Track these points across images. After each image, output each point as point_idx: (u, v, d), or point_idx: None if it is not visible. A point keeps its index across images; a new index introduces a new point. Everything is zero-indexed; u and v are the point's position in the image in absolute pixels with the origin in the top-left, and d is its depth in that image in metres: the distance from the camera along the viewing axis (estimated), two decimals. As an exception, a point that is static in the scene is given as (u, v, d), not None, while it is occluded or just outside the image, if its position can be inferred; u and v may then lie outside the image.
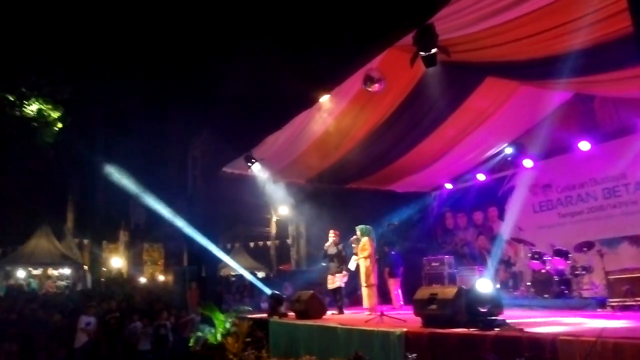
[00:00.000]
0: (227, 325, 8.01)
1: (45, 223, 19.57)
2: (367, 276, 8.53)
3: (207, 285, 12.00)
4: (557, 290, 8.07)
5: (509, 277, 9.72)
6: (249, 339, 7.75)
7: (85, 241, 21.80)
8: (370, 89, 7.81)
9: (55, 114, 14.05)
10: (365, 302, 8.57)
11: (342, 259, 8.87)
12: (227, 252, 25.39)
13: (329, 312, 8.24)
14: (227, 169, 11.60)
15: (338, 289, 8.82)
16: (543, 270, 8.53)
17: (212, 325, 8.15)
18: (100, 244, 21.36)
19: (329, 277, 9.01)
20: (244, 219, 23.64)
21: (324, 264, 9.37)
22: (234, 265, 14.21)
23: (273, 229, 22.71)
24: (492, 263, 10.09)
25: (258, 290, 13.26)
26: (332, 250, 9.00)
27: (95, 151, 16.90)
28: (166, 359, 9.88)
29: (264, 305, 10.93)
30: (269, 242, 24.41)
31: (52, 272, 20.55)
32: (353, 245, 8.96)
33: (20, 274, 19.55)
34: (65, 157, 16.83)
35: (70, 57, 15.38)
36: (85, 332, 9.74)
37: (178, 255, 14.60)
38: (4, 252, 20.19)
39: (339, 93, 8.46)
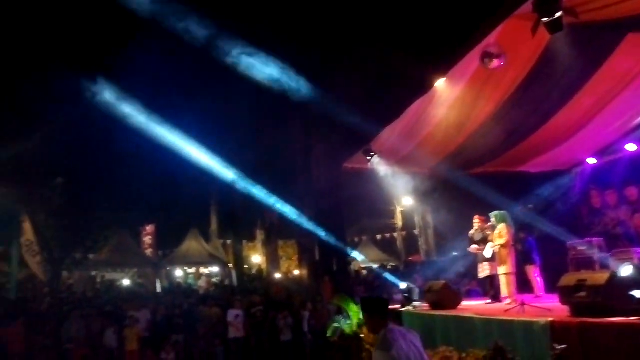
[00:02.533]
0: (362, 316, 8.17)
1: (194, 227, 22.02)
2: (505, 264, 8.06)
3: (339, 278, 12.38)
4: None
5: (676, 258, 8.40)
6: (383, 330, 7.81)
7: (228, 241, 23.95)
8: (489, 66, 7.36)
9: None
10: (504, 291, 8.10)
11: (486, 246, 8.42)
12: (355, 245, 25.90)
13: (481, 302, 7.95)
14: (347, 165, 11.84)
15: (490, 277, 8.35)
16: None
17: (347, 316, 8.40)
18: (241, 243, 23.29)
19: (479, 265, 8.61)
20: (369, 212, 23.87)
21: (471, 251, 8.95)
22: (362, 259, 14.42)
23: (399, 221, 22.57)
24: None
25: (389, 282, 13.34)
26: (478, 237, 8.60)
27: (228, 158, 18.44)
28: (307, 348, 10.45)
29: (396, 296, 10.95)
30: (395, 234, 24.32)
31: (203, 270, 23.02)
32: (487, 232, 8.53)
33: (178, 273, 22.25)
34: (204, 167, 18.60)
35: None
36: (234, 325, 10.75)
37: (311, 250, 15.29)
38: (164, 254, 23.12)
39: (455, 74, 8.11)
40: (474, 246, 8.71)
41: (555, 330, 4.54)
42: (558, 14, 5.48)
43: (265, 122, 19.06)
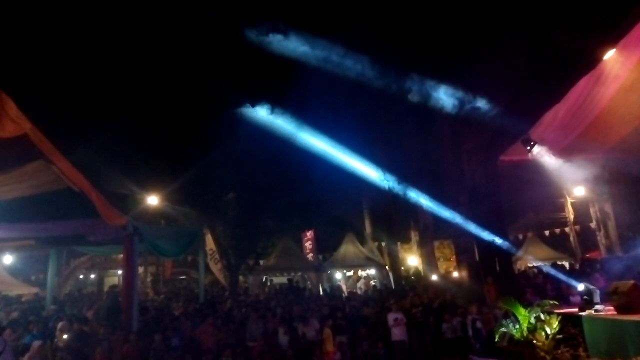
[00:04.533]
0: (532, 320, 7.50)
1: (349, 231, 22.72)
2: None
3: (503, 279, 11.57)
4: None
5: None
6: (560, 336, 7.07)
7: (383, 244, 24.13)
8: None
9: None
10: None
11: None
12: (519, 243, 23.86)
13: None
14: (504, 157, 11.07)
15: None
16: None
17: (515, 320, 7.78)
18: (395, 245, 23.27)
19: None
20: (533, 206, 21.83)
21: None
22: (529, 257, 13.22)
23: (570, 214, 20.15)
24: None
25: (563, 282, 12.02)
26: None
27: (376, 160, 18.66)
28: (476, 350, 9.95)
29: (573, 298, 9.82)
30: (566, 229, 21.77)
31: (361, 273, 23.57)
32: None
33: (338, 275, 23.13)
34: (355, 173, 19.10)
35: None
36: (395, 327, 10.77)
37: (469, 250, 14.56)
38: (323, 257, 24.32)
39: (628, 43, 7.01)
40: None
41: None
42: None
43: (414, 123, 18.85)
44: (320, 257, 24.48)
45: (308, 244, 24.11)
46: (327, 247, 24.64)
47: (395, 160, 18.25)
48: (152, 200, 18.36)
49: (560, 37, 7.58)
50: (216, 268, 19.30)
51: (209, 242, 18.89)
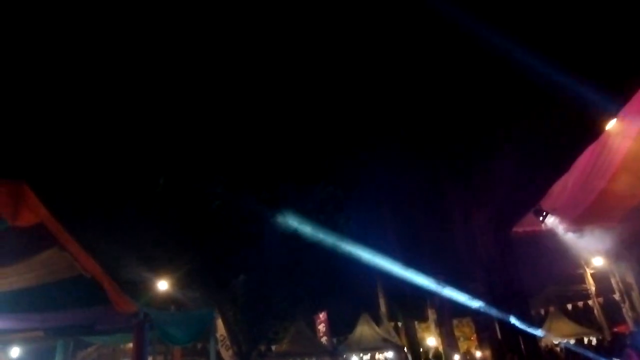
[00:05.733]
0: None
1: (364, 311, 21.99)
2: None
3: (530, 358, 10.97)
4: None
5: None
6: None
7: (399, 323, 23.22)
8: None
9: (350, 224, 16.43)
10: None
11: None
12: (542, 318, 22.85)
13: None
14: (518, 229, 10.97)
15: None
16: None
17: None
18: (412, 324, 22.37)
19: None
20: (551, 279, 21.20)
21: None
22: (549, 334, 12.61)
23: (591, 285, 19.48)
24: None
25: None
26: None
27: (388, 240, 18.55)
28: None
29: (608, 377, 9.22)
30: (589, 301, 20.94)
31: (378, 356, 22.47)
32: None
33: (354, 359, 22.06)
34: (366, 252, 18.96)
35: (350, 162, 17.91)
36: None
37: (490, 328, 13.94)
38: (338, 340, 23.33)
39: (629, 112, 7.22)
40: None
41: None
42: None
43: (421, 197, 18.99)
44: (335, 340, 23.50)
45: (322, 327, 23.26)
46: (341, 329, 23.73)
47: (408, 235, 18.17)
48: (162, 285, 18.09)
49: (564, 112, 7.86)
50: (227, 355, 18.49)
51: (220, 328, 18.28)
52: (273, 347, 21.66)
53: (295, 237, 16.39)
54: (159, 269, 18.12)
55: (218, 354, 18.09)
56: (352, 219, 17.71)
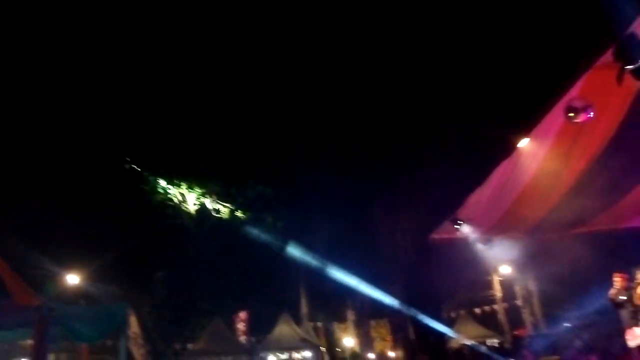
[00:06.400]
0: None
1: (285, 311, 22.02)
2: None
3: (437, 358, 11.56)
4: None
5: None
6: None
7: (319, 324, 23.54)
8: (576, 121, 7.04)
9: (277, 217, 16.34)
10: None
11: (637, 308, 7.44)
12: (452, 321, 24.19)
13: None
14: (435, 235, 11.48)
15: None
16: None
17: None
18: (331, 325, 22.78)
19: (628, 331, 7.59)
20: (465, 284, 22.52)
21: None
22: (458, 336, 13.42)
23: (497, 291, 20.95)
24: None
25: (494, 360, 12.21)
26: (622, 297, 7.69)
27: (314, 240, 18.73)
28: None
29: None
30: (496, 306, 22.51)
31: (295, 355, 22.59)
32: (621, 291, 7.57)
33: (271, 358, 22.01)
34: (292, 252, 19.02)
35: (287, 162, 17.91)
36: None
37: (404, 329, 14.57)
38: (257, 339, 23.18)
39: (539, 133, 7.83)
40: None
41: None
42: (643, 60, 5.23)
43: (348, 200, 19.41)
44: (254, 339, 23.34)
45: (241, 326, 22.98)
46: (262, 328, 23.57)
47: (332, 240, 18.50)
48: (72, 278, 16.97)
49: (481, 128, 8.42)
50: (139, 353, 17.69)
51: (133, 325, 17.46)
52: (189, 346, 21.06)
53: (221, 235, 16.10)
54: (71, 262, 16.99)
55: (129, 352, 17.26)
56: (280, 219, 17.71)
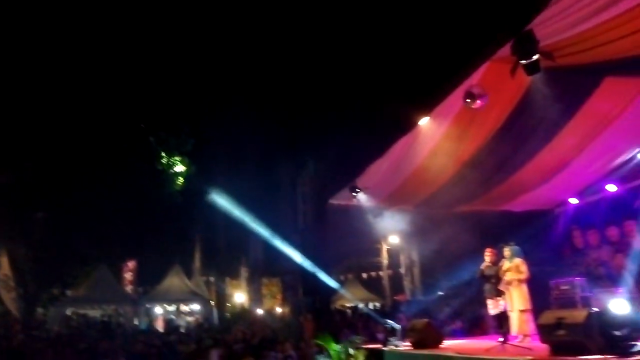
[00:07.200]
0: (343, 356, 7.99)
1: (176, 263, 21.59)
2: (523, 300, 7.96)
3: (321, 317, 12.13)
4: None
5: (658, 299, 8.41)
6: (365, 370, 7.64)
7: (211, 278, 23.49)
8: (472, 106, 7.53)
9: (181, 166, 15.62)
10: (522, 328, 7.88)
11: (500, 280, 8.07)
12: (341, 283, 25.51)
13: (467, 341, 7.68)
14: (334, 201, 11.83)
15: (502, 314, 7.93)
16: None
17: (328, 355, 8.19)
18: (223, 281, 22.86)
19: (489, 301, 8.27)
20: (356, 250, 23.62)
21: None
22: (347, 295, 14.20)
23: (385, 259, 22.37)
24: (635, 284, 8.85)
25: (373, 321, 13.10)
26: (490, 271, 8.27)
27: (215, 194, 18.36)
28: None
29: (380, 335, 10.74)
30: (381, 272, 24.06)
31: (183, 307, 22.41)
32: (501, 266, 8.37)
33: (158, 310, 21.60)
34: (190, 202, 18.51)
35: (192, 111, 17.08)
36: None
37: (295, 288, 15.04)
38: (144, 290, 22.56)
39: (439, 114, 8.28)
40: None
41: (537, 369, 4.47)
42: (535, 57, 5.68)
43: (254, 157, 19.21)
44: (141, 289, 22.68)
45: (128, 275, 22.18)
46: (152, 280, 22.91)
47: (236, 191, 18.19)
48: None
49: (386, 102, 8.71)
50: (8, 297, 16.39)
51: (4, 266, 16.07)
52: (68, 292, 19.91)
53: (113, 178, 15.05)
54: None
55: (-4, 294, 15.93)
56: (181, 167, 16.91)
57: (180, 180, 15.97)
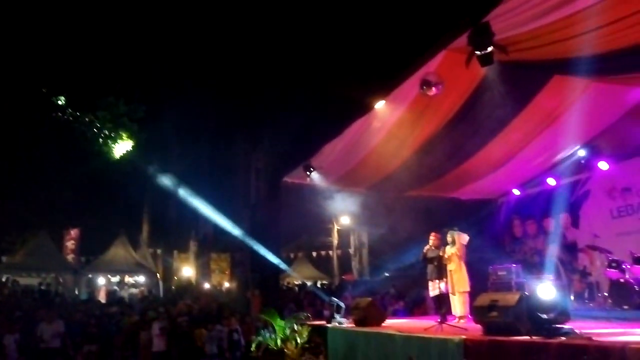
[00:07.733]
0: (287, 331, 8.11)
1: (122, 234, 20.94)
2: (462, 282, 8.19)
3: (268, 293, 12.22)
4: (638, 301, 7.41)
5: (585, 287, 9.07)
6: (307, 345, 7.79)
7: (159, 251, 23.02)
8: (428, 93, 7.66)
9: (127, 132, 15.01)
10: (460, 309, 8.15)
11: (442, 264, 8.34)
12: (290, 261, 25.74)
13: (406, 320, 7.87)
14: (287, 179, 11.80)
15: (442, 295, 8.20)
16: (622, 280, 7.87)
17: (272, 331, 8.29)
18: (171, 254, 22.47)
19: (430, 283, 8.55)
20: (307, 229, 23.84)
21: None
22: (294, 274, 14.36)
23: (335, 239, 22.73)
24: (565, 273, 9.47)
25: (319, 298, 13.34)
26: (433, 254, 8.55)
27: (167, 166, 17.90)
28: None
29: (326, 313, 10.95)
30: (331, 252, 24.45)
31: (128, 279, 21.88)
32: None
33: (101, 280, 20.98)
34: (140, 172, 17.96)
35: (145, 78, 16.42)
36: (159, 337, 10.24)
37: (244, 264, 15.03)
38: (87, 260, 21.82)
39: (395, 99, 8.37)
40: None
41: (468, 347, 4.71)
42: (489, 49, 5.83)
43: (208, 130, 18.82)
44: (84, 259, 21.94)
45: (70, 244, 21.34)
46: (95, 249, 22.13)
47: (186, 166, 17.83)
48: None
49: (342, 83, 8.73)
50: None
51: None
52: (4, 258, 19.01)
53: (54, 140, 14.28)
54: None
55: None
56: (131, 134, 16.26)
57: (127, 147, 15.39)
